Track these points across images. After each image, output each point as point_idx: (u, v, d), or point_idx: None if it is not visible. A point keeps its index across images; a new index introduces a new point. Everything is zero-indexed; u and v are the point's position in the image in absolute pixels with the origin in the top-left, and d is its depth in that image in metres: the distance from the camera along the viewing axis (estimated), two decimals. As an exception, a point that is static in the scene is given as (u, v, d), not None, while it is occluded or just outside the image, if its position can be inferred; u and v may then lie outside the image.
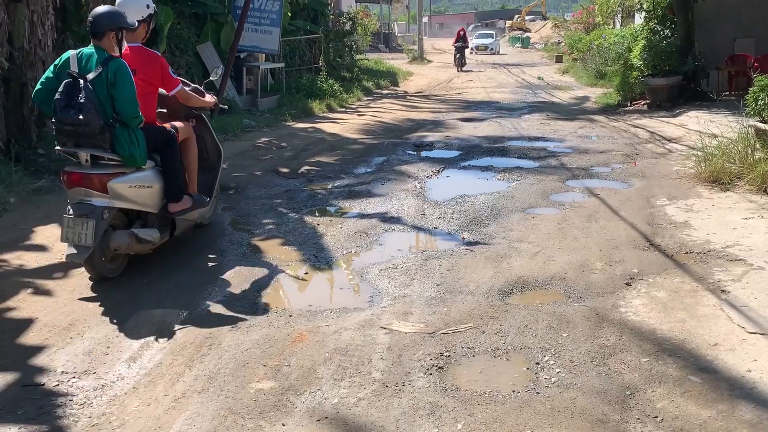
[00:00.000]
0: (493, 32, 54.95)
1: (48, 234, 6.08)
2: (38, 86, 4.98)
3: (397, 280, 4.99)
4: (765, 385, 3.40)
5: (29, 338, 4.09)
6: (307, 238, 6.01)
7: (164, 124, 5.48)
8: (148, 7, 5.46)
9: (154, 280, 5.04)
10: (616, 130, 11.96)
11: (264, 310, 4.49)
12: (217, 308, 4.52)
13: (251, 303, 4.60)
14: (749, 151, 7.40)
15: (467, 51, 33.27)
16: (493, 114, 14.86)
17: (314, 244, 5.84)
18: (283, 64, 16.96)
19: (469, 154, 9.90)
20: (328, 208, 7.12)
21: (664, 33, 15.32)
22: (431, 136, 11.60)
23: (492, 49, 47.54)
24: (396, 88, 22.88)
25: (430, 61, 36.87)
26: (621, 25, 25.28)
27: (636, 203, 6.93)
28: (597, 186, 7.78)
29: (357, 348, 3.90)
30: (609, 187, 7.69)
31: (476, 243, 5.79)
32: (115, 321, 4.31)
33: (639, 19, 19.32)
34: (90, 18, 4.86)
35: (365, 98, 18.84)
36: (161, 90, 5.45)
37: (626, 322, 4.18)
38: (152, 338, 4.08)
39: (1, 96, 8.27)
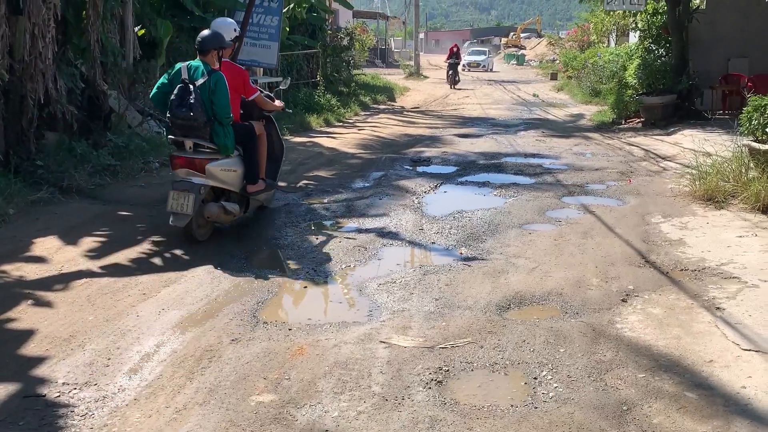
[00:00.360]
0: (486, 49, 54.48)
1: (47, 245, 6.10)
2: (155, 90, 6.44)
3: (395, 294, 5.03)
4: (760, 402, 3.45)
5: (30, 349, 4.11)
6: (306, 252, 6.05)
7: (244, 122, 6.76)
8: (235, 30, 6.97)
9: (153, 293, 5.07)
10: (611, 147, 12.05)
11: (264, 323, 4.52)
12: (216, 321, 4.54)
13: (251, 316, 4.63)
14: (743, 170, 7.48)
15: (460, 68, 32.75)
16: (489, 130, 14.96)
17: (313, 258, 5.88)
18: (281, 78, 17.03)
19: (466, 169, 9.97)
20: (326, 222, 7.17)
21: (658, 52, 15.49)
22: (428, 152, 11.68)
23: (484, 66, 47.20)
24: (393, 103, 23.00)
25: (426, 77, 37.09)
26: (616, 44, 25.51)
27: (631, 220, 7.00)
28: (592, 203, 7.84)
29: (357, 362, 3.94)
30: (604, 204, 7.76)
31: (474, 258, 5.84)
32: (115, 333, 4.34)
33: (633, 38, 19.53)
34: (198, 38, 6.27)
35: (362, 113, 18.94)
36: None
37: (622, 338, 4.22)
38: (153, 350, 4.10)
39: (1, 108, 8.30)
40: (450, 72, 30.16)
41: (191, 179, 6.11)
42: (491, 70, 46.70)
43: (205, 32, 6.37)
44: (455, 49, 30.84)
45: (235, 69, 6.73)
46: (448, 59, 30.89)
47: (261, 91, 7.04)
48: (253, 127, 6.79)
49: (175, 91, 6.12)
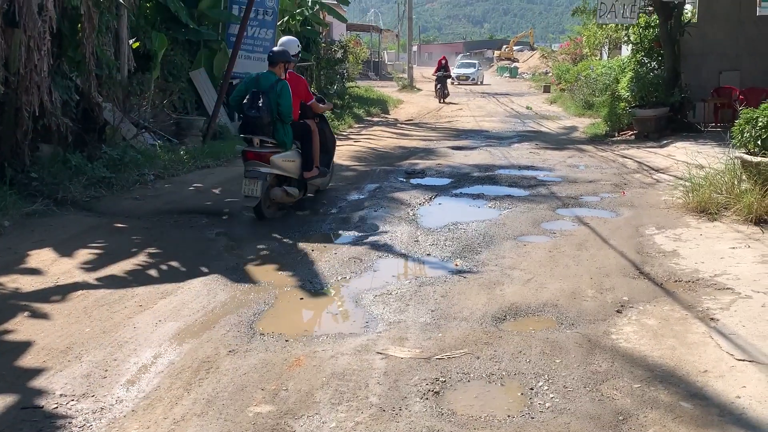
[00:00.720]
0: (476, 62, 52.39)
1: (43, 257, 6.10)
2: (234, 94, 7.85)
3: (391, 305, 5.05)
4: (754, 411, 3.47)
5: (27, 361, 4.11)
6: (302, 264, 6.06)
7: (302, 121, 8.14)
8: (298, 46, 8.43)
9: (149, 305, 5.07)
10: (605, 159, 12.12)
11: (261, 334, 4.53)
12: (213, 333, 4.55)
13: (248, 327, 4.63)
14: (735, 182, 7.55)
15: (449, 81, 31.62)
16: (483, 142, 15.03)
17: (309, 270, 5.89)
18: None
19: (460, 181, 10.02)
20: (321, 233, 7.18)
21: (651, 65, 15.61)
22: (423, 164, 11.72)
23: (474, 79, 45.33)
24: (386, 115, 23.08)
25: (419, 89, 37.23)
26: (608, 57, 25.69)
27: (625, 232, 7.04)
28: (587, 215, 7.89)
29: (354, 373, 3.95)
30: (598, 216, 7.81)
31: (469, 270, 5.86)
32: (112, 345, 4.34)
33: (626, 51, 19.67)
34: (269, 53, 7.95)
35: (356, 125, 18.99)
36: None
37: (618, 349, 4.25)
38: (151, 361, 4.11)
39: (-4, 120, 8.32)
40: (438, 86, 28.74)
41: (259, 168, 7.43)
42: (481, 83, 45.32)
43: (275, 48, 8.22)
44: (444, 62, 29.47)
45: (297, 78, 8.33)
46: (436, 72, 29.46)
47: (315, 95, 8.70)
48: (308, 125, 8.17)
49: (248, 96, 7.49)
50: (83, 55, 9.53)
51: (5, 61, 8.33)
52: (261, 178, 7.34)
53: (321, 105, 8.67)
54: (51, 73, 8.88)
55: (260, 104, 7.38)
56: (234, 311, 4.94)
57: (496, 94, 34.26)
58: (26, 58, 8.43)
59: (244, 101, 7.50)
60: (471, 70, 46.56)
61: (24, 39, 8.37)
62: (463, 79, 44.31)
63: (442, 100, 28.15)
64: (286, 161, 7.72)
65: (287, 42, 8.39)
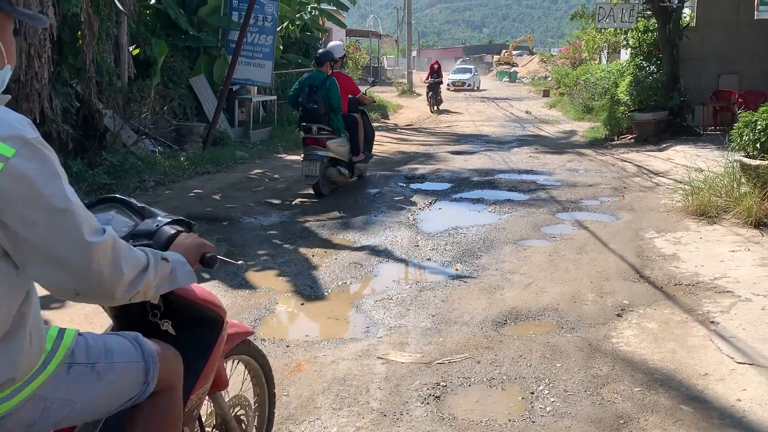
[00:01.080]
0: (472, 67, 49.75)
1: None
2: (290, 92, 9.70)
3: (392, 310, 5.05)
4: (754, 414, 3.48)
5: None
6: (302, 269, 6.07)
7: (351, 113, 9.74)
8: (343, 50, 10.27)
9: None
10: (604, 163, 12.14)
11: (261, 340, 4.53)
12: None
13: (248, 333, 4.64)
14: (735, 185, 7.56)
15: (443, 87, 29.80)
16: (483, 147, 15.05)
17: (309, 275, 5.90)
18: (275, 97, 17.14)
19: (460, 186, 10.03)
20: (322, 239, 7.19)
21: (650, 69, 15.65)
22: (422, 169, 11.74)
23: (470, 84, 43.61)
24: (386, 120, 23.08)
25: (419, 95, 37.22)
26: (607, 61, 25.74)
27: (625, 236, 7.05)
28: (586, 219, 7.90)
29: (355, 378, 3.96)
30: (598, 220, 7.82)
31: (469, 274, 5.87)
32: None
33: (625, 55, 19.72)
34: (317, 54, 9.67)
35: (356, 131, 18.97)
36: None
37: (618, 353, 4.26)
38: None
39: (-3, 127, 8.32)
40: (430, 93, 26.15)
41: (317, 152, 8.89)
42: (478, 89, 43.84)
43: (321, 50, 10.04)
44: (436, 67, 26.97)
45: (343, 76, 10.05)
46: (428, 78, 26.91)
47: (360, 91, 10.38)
48: (356, 117, 9.77)
49: (306, 91, 9.03)
50: (83, 62, 9.56)
51: (6, 68, 8.35)
52: (319, 160, 8.84)
53: (367, 98, 10.54)
54: (51, 80, 8.92)
55: (316, 98, 8.89)
56: (235, 317, 4.93)
57: (496, 98, 34.31)
58: (27, 65, 8.47)
59: (301, 98, 9.10)
60: (467, 76, 45.00)
61: (24, 46, 8.40)
62: (459, 85, 43.16)
63: (435, 108, 26.07)
64: (339, 146, 9.22)
65: (333, 46, 10.26)
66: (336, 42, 10.45)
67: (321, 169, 8.84)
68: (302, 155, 9.09)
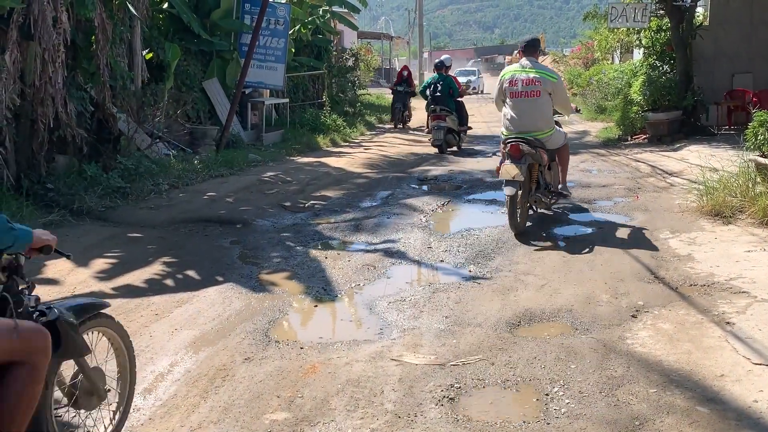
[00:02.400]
0: (476, 69, 47.99)
1: (60, 267, 6.15)
2: (422, 87, 15.60)
3: (405, 312, 5.06)
4: (772, 416, 3.45)
5: (45, 370, 4.14)
6: (316, 272, 6.09)
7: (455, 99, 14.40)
8: (451, 60, 15.41)
9: (165, 313, 5.11)
10: (618, 164, 12.08)
11: (276, 342, 4.55)
12: (228, 341, 4.58)
13: (263, 335, 4.66)
14: (750, 185, 7.50)
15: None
16: (496, 148, 14.95)
17: (322, 277, 5.91)
18: (287, 100, 17.19)
19: (472, 187, 10.02)
20: (335, 241, 7.21)
21: (663, 68, 15.55)
22: (435, 170, 11.74)
23: (474, 87, 40.58)
24: (398, 122, 23.05)
25: (431, 96, 37.13)
26: (620, 61, 25.60)
27: (639, 236, 7.02)
28: (600, 219, 7.86)
29: (369, 379, 3.96)
30: (612, 221, 7.78)
31: (483, 276, 5.87)
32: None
33: (638, 54, 19.62)
34: (437, 62, 14.86)
35: (368, 132, 19.04)
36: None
37: (633, 354, 4.24)
38: (167, 369, 4.14)
39: (12, 132, 8.41)
40: (397, 106, 20.33)
41: (441, 124, 13.80)
42: (482, 92, 41.68)
43: (438, 60, 15.03)
44: (406, 74, 21.20)
45: (452, 76, 15.17)
46: (394, 86, 20.93)
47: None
48: (461, 102, 14.76)
49: (432, 86, 14.30)
50: (97, 66, 9.62)
51: (21, 73, 8.44)
52: (442, 129, 13.79)
53: (464, 90, 15.58)
54: (66, 85, 8.98)
55: (440, 88, 14.12)
56: (249, 319, 4.96)
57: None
58: (41, 70, 8.54)
59: (429, 90, 14.38)
60: (470, 78, 42.40)
61: (39, 51, 8.47)
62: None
63: (398, 126, 20.35)
64: (452, 120, 13.99)
65: (445, 58, 15.28)
66: (446, 55, 15.97)
67: (444, 135, 13.79)
68: (430, 127, 14.58)
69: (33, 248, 2.81)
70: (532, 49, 7.67)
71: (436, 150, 13.97)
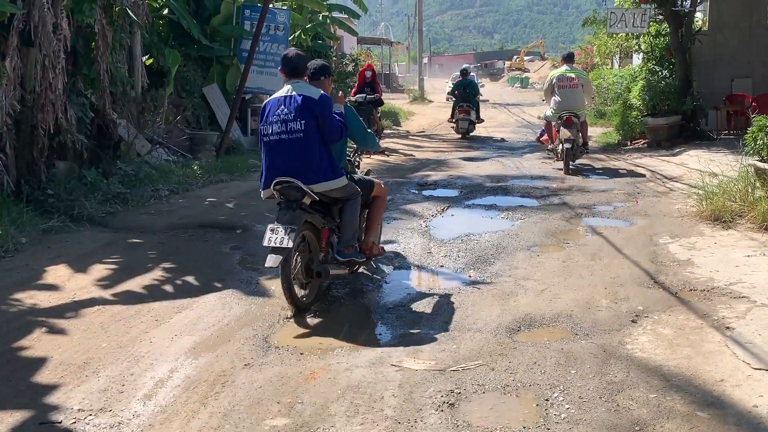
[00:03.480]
0: (472, 74, 47.33)
1: (59, 273, 6.16)
2: (452, 89, 22.31)
3: (405, 317, 5.06)
4: (772, 421, 3.45)
5: (44, 376, 4.14)
6: (316, 277, 6.07)
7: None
8: (472, 67, 26.53)
9: (165, 319, 5.11)
10: (617, 168, 12.09)
11: (276, 348, 4.55)
12: (228, 346, 4.58)
13: (263, 341, 4.66)
14: (749, 190, 7.51)
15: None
16: (495, 153, 15.05)
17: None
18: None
19: (472, 192, 10.03)
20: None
21: (662, 73, 15.59)
22: (434, 175, 11.75)
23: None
24: (398, 127, 23.13)
25: (430, 101, 37.29)
26: (619, 66, 25.65)
27: (639, 241, 7.02)
28: (600, 224, 7.87)
29: (369, 385, 3.96)
30: (612, 226, 7.79)
31: (483, 281, 5.87)
32: (129, 359, 4.37)
33: (637, 59, 19.66)
34: (463, 68, 20.41)
35: (368, 138, 19.00)
36: None
37: (633, 359, 4.24)
38: (167, 375, 4.14)
39: (12, 138, 8.41)
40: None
41: (465, 116, 18.13)
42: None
43: (464, 67, 20.43)
44: (369, 76, 16.89)
45: (475, 81, 20.45)
46: (355, 92, 16.81)
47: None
48: (477, 100, 18.66)
49: (462, 87, 18.55)
50: (97, 72, 9.64)
51: (21, 79, 8.44)
52: (467, 120, 18.11)
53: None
54: (66, 91, 8.99)
55: (467, 90, 18.30)
56: (249, 325, 4.96)
57: (508, 104, 34.25)
58: (41, 76, 8.55)
59: (458, 91, 18.55)
60: None
61: (39, 57, 8.48)
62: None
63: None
64: (474, 112, 18.29)
65: (468, 66, 20.34)
66: (467, 64, 20.48)
67: (468, 125, 18.18)
68: (456, 118, 18.33)
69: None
70: (570, 59, 12.91)
71: (459, 136, 18.57)
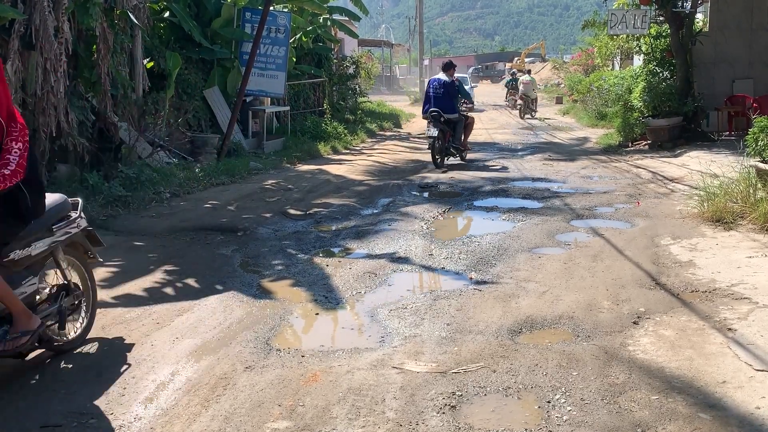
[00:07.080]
0: (466, 76, 44.35)
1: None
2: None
3: (407, 320, 5.05)
4: (774, 422, 3.44)
5: (46, 379, 4.14)
6: (317, 279, 6.09)
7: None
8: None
9: (166, 322, 5.11)
10: (618, 170, 12.09)
11: (277, 350, 4.55)
12: (230, 349, 4.58)
13: (264, 343, 4.66)
14: (751, 191, 7.50)
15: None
16: (496, 155, 15.04)
17: (324, 285, 5.91)
18: (288, 108, 17.21)
19: (473, 194, 10.03)
20: (336, 249, 7.21)
21: (663, 75, 15.58)
22: (436, 177, 11.74)
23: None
24: (399, 129, 23.15)
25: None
26: (620, 67, 25.66)
27: (640, 243, 7.01)
28: (601, 226, 7.87)
29: (370, 388, 3.95)
30: (613, 227, 7.78)
31: (484, 283, 5.86)
32: (130, 362, 4.37)
33: (638, 61, 19.66)
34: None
35: (369, 140, 19.06)
36: None
37: (635, 361, 4.23)
38: (169, 378, 4.14)
39: (14, 141, 8.41)
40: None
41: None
42: (471, 102, 39.44)
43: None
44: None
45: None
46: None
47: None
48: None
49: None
50: (99, 75, 9.66)
51: (22, 83, 8.46)
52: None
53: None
54: (67, 94, 9.01)
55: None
56: (250, 327, 4.96)
57: (508, 106, 34.23)
58: (43, 79, 8.57)
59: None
60: None
61: (41, 61, 8.50)
62: None
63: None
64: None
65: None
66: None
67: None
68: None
69: None
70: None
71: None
